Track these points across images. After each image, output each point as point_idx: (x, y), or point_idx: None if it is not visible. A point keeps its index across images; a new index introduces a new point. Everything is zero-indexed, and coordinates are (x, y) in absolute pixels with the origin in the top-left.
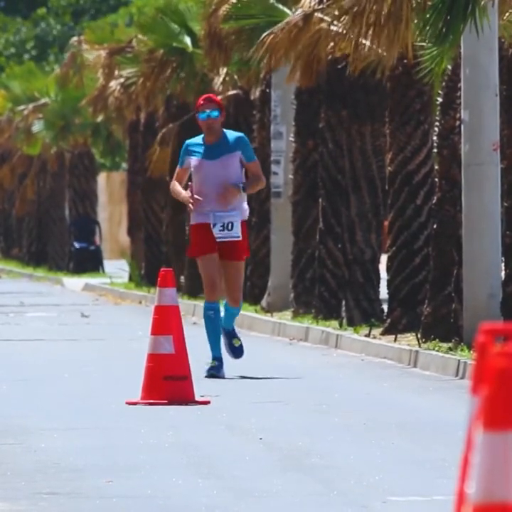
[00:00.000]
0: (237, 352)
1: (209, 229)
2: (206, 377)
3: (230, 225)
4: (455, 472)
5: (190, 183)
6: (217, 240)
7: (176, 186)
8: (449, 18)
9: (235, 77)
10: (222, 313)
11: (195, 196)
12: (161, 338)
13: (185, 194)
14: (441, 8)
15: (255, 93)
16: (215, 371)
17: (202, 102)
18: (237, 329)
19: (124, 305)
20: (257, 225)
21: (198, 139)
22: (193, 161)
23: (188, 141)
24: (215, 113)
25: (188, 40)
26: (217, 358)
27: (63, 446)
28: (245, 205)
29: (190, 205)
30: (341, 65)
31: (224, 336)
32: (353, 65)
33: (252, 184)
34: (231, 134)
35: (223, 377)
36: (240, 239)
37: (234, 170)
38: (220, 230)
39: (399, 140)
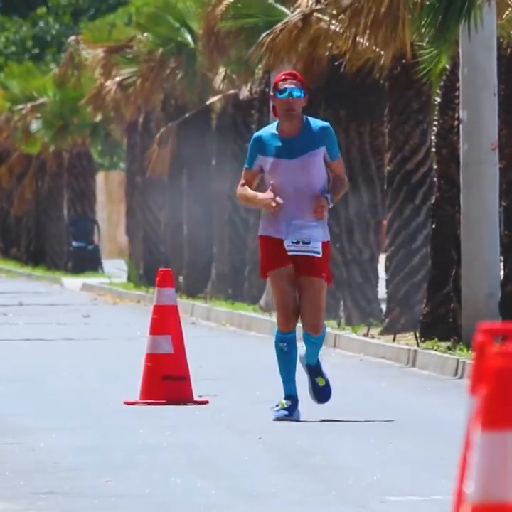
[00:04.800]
0: (321, 395)
1: (282, 244)
2: (275, 419)
3: (306, 239)
4: (454, 472)
5: (272, 182)
6: (289, 252)
7: (247, 191)
8: (445, 17)
9: (234, 76)
10: (301, 343)
11: (277, 199)
12: (160, 337)
13: (264, 196)
14: (438, 8)
15: (244, 93)
16: (287, 413)
17: (283, 77)
18: (322, 363)
19: (123, 305)
20: (255, 224)
21: (271, 129)
22: (269, 161)
23: (258, 134)
24: (298, 92)
25: (188, 37)
26: (290, 397)
27: (62, 445)
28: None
29: (271, 207)
30: (338, 61)
31: (307, 373)
32: (350, 63)
33: (337, 191)
34: (314, 123)
35: (297, 420)
36: (320, 256)
37: (317, 171)
38: (294, 242)
39: (397, 139)
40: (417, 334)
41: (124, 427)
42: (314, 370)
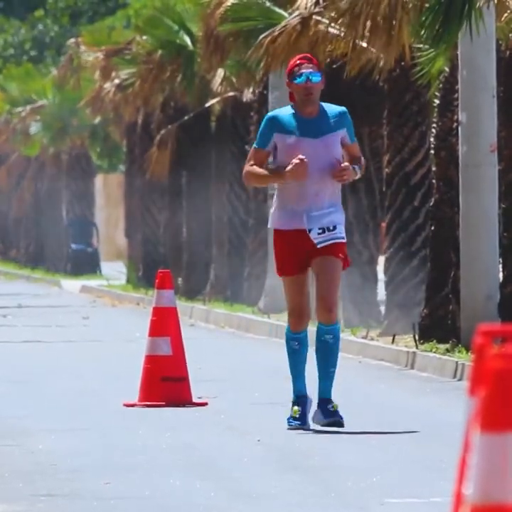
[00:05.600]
0: (337, 415)
1: (302, 238)
2: (290, 428)
3: (331, 226)
4: (453, 474)
5: (300, 157)
6: (318, 246)
7: (258, 169)
8: (445, 20)
9: (233, 78)
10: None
11: (300, 157)
12: (159, 339)
13: (289, 169)
14: (438, 11)
15: (247, 95)
16: (300, 422)
17: (298, 62)
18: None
19: (122, 307)
20: (254, 226)
21: (287, 111)
22: (288, 139)
23: (273, 114)
24: (317, 76)
25: (187, 39)
26: (300, 398)
27: (61, 447)
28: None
29: (300, 169)
30: (337, 64)
31: (318, 404)
32: (350, 66)
33: (360, 169)
34: (330, 108)
35: (308, 428)
36: (345, 241)
37: (336, 153)
38: (320, 233)
39: (396, 141)
40: (416, 336)
41: (123, 429)
42: (325, 404)
